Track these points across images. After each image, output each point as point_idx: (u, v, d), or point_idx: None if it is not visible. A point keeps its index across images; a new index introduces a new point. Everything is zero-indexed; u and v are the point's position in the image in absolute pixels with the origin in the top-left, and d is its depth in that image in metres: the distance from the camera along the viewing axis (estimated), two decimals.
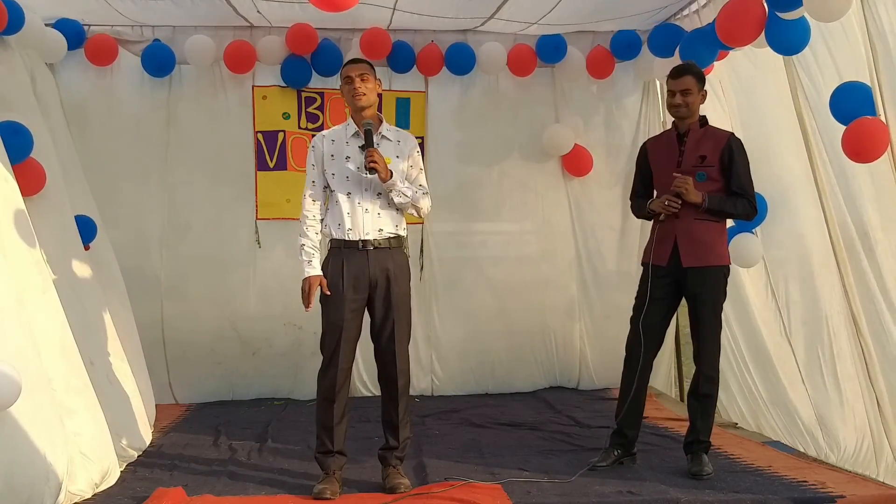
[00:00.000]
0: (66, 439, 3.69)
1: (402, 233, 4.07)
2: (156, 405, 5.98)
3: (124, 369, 4.93)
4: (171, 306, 6.19)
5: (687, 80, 4.22)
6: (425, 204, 4.12)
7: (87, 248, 5.33)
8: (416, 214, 4.17)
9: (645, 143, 4.58)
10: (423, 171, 4.17)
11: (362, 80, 3.96)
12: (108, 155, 6.06)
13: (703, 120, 4.34)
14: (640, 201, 4.47)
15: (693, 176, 4.18)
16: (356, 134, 4.02)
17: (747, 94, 5.51)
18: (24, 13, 4.87)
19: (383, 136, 4.05)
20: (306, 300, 3.94)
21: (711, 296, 4.19)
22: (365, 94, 3.96)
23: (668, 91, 4.30)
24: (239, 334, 6.28)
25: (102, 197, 5.96)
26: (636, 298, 4.35)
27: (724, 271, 4.24)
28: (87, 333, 4.48)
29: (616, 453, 4.36)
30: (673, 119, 4.36)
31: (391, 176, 3.92)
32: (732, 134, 4.35)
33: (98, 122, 6.08)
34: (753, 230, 5.23)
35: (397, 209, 4.03)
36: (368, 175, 3.91)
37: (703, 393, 4.19)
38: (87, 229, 5.31)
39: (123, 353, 5.16)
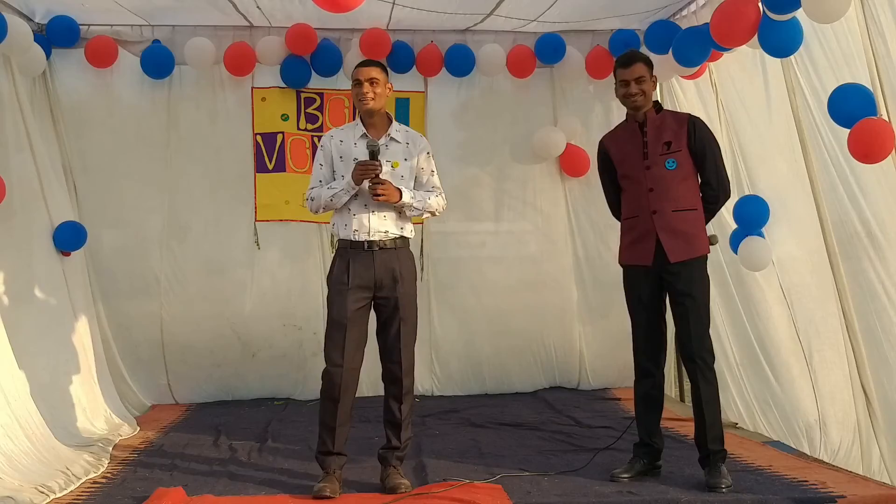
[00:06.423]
0: None
1: (409, 234, 4.08)
2: (155, 406, 6.01)
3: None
4: (170, 307, 6.18)
5: (639, 68, 4.02)
6: (439, 205, 4.14)
7: (66, 254, 5.36)
8: (431, 217, 4.22)
9: (602, 142, 4.29)
10: (436, 172, 4.17)
11: (371, 84, 3.97)
12: (107, 156, 6.06)
13: (658, 105, 4.17)
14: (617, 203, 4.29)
15: (662, 165, 4.01)
16: (364, 135, 4.03)
17: (739, 96, 5.50)
18: (6, 23, 4.87)
19: (392, 139, 4.06)
20: (368, 168, 3.87)
21: (704, 287, 4.02)
22: (373, 99, 3.98)
23: (619, 81, 4.06)
24: (238, 336, 6.26)
25: (102, 198, 6.00)
26: (628, 303, 4.17)
27: (706, 259, 4.08)
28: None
29: (643, 462, 4.10)
30: (627, 110, 4.16)
31: (400, 197, 3.93)
32: (691, 114, 4.22)
33: (98, 122, 6.07)
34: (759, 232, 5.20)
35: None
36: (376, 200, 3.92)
37: (707, 381, 3.93)
38: (75, 236, 5.31)
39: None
